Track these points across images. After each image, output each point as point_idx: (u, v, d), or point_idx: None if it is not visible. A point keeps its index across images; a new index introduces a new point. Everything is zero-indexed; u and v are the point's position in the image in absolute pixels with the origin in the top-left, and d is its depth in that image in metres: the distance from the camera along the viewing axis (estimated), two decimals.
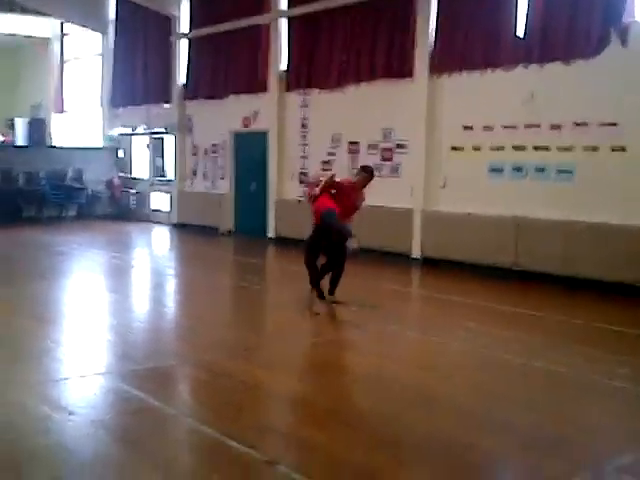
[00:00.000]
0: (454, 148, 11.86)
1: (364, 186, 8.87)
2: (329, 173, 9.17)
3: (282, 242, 14.82)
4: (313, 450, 4.44)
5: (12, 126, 21.57)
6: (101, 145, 20.49)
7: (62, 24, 22.43)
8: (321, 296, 8.71)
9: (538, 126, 10.67)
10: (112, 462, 4.26)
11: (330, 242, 8.57)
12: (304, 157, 14.69)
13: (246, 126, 16.09)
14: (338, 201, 8.54)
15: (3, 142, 21.06)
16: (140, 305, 9.53)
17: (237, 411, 5.14)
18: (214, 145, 17.00)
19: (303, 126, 14.66)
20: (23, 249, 13.66)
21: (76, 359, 6.54)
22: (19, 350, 6.75)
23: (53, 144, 21.46)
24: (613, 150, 9.86)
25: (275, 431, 4.97)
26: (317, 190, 8.62)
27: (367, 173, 8.91)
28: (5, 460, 4.25)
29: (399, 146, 12.75)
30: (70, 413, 5.00)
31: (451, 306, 8.84)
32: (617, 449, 4.53)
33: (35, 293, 9.45)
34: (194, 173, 17.72)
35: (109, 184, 19.77)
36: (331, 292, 8.74)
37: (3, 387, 5.60)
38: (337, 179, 8.79)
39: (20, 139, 21.37)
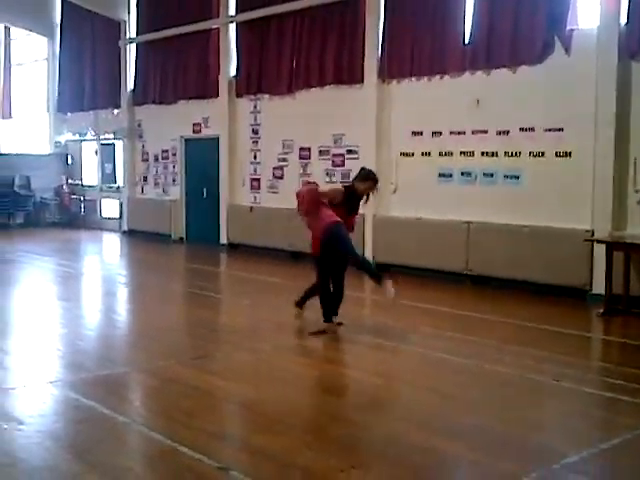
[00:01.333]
0: (404, 154, 11.98)
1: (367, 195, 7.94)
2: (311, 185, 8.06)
3: (234, 248, 14.79)
4: (265, 455, 4.45)
5: None
6: (49, 151, 20.19)
7: (8, 28, 22.06)
8: (328, 319, 7.66)
9: (485, 132, 10.85)
10: (62, 471, 4.21)
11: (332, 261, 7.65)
12: (256, 163, 14.69)
13: (197, 132, 16.02)
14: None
15: None
16: (90, 313, 9.43)
17: (188, 417, 5.12)
18: (164, 151, 16.90)
19: (254, 132, 14.66)
20: None
21: (25, 368, 6.45)
22: None
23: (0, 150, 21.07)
24: (558, 156, 10.07)
25: (226, 437, 4.97)
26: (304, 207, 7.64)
27: (372, 180, 7.89)
28: None
29: (350, 152, 12.84)
30: (19, 423, 4.94)
31: (404, 311, 8.92)
32: (564, 448, 4.62)
33: None
34: (144, 179, 17.58)
35: (58, 191, 19.48)
36: (300, 303, 8.02)
37: None
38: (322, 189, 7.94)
39: None
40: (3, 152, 20.67)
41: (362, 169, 8.10)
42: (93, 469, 4.23)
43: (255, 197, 14.75)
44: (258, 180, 14.65)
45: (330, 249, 7.47)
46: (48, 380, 5.97)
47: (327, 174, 13.14)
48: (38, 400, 5.54)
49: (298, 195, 7.70)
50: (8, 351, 7.07)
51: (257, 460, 4.41)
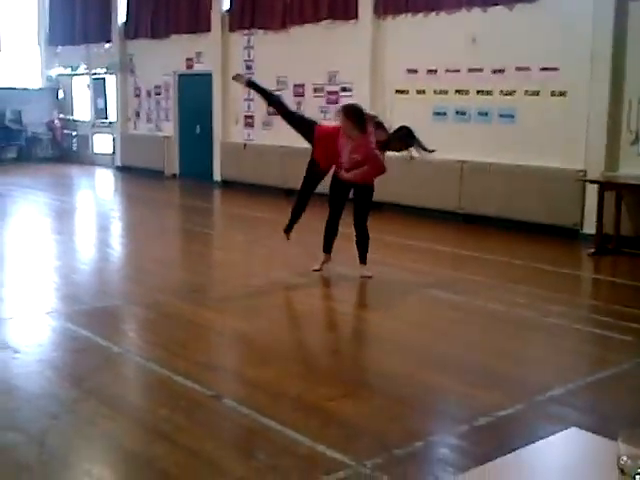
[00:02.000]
0: (399, 91, 11.90)
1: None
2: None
3: (228, 185, 14.78)
4: (257, 385, 4.55)
5: None
6: (40, 85, 19.95)
7: None
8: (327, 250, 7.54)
9: (481, 70, 10.76)
10: (60, 398, 4.31)
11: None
12: (249, 100, 14.56)
13: (190, 67, 15.84)
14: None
15: None
16: (85, 247, 9.47)
17: (183, 349, 5.22)
18: (157, 86, 16.72)
19: (248, 68, 14.49)
20: None
21: (21, 299, 6.52)
22: None
23: None
24: (553, 95, 10.03)
25: (220, 368, 5.08)
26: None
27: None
28: None
29: (344, 89, 12.73)
30: (15, 351, 5.03)
31: (396, 248, 9.00)
32: (550, 382, 4.74)
33: None
34: (137, 115, 17.43)
35: (50, 126, 19.32)
36: (363, 259, 7.46)
37: None
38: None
39: None
40: None
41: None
42: (90, 396, 4.33)
43: (249, 134, 14.67)
44: (252, 117, 14.55)
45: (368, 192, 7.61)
46: (44, 311, 6.05)
47: (321, 111, 13.04)
48: (35, 330, 5.63)
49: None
50: (3, 282, 7.13)
51: (249, 389, 4.52)
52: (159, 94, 16.71)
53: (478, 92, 10.85)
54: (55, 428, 3.90)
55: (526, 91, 10.31)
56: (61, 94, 19.61)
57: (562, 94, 9.95)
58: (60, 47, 19.41)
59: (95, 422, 4.00)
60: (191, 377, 4.56)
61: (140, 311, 6.31)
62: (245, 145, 14.53)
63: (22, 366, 4.81)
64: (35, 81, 20.15)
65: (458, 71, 11.03)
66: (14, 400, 4.27)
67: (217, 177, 15.17)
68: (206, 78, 15.22)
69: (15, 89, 19.40)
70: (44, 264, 7.95)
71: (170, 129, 16.47)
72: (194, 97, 15.85)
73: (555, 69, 9.97)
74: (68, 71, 19.24)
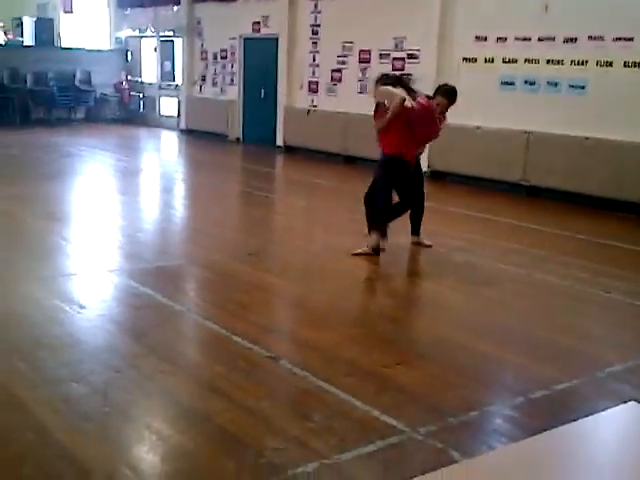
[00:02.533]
0: (466, 59, 11.70)
1: (443, 112, 7.02)
2: (397, 96, 6.64)
3: (290, 151, 14.82)
4: (312, 348, 4.59)
5: (20, 25, 21.22)
6: (109, 47, 20.23)
7: None
8: (384, 234, 6.99)
9: (552, 39, 10.50)
10: (121, 352, 4.43)
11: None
12: (314, 65, 14.52)
13: (256, 31, 15.84)
14: (410, 134, 6.82)
15: (9, 41, 20.76)
16: (149, 208, 9.64)
17: (241, 309, 5.29)
18: (223, 50, 16.78)
19: (314, 33, 14.43)
20: (33, 150, 13.68)
21: (86, 256, 6.69)
22: (31, 246, 6.89)
23: (61, 45, 21.17)
24: (627, 66, 9.73)
25: (277, 330, 5.14)
26: (384, 121, 6.80)
27: (448, 98, 6.94)
28: (17, 346, 4.42)
29: (410, 56, 12.58)
30: (80, 306, 5.17)
31: (456, 218, 8.93)
32: (610, 358, 4.67)
33: (46, 193, 9.54)
34: (203, 78, 17.55)
35: (117, 87, 19.61)
36: (416, 231, 7.38)
37: (16, 280, 5.76)
38: (408, 104, 6.72)
39: (28, 39, 21.05)
40: (65, 46, 20.78)
41: (445, 85, 7.25)
42: (152, 352, 4.44)
43: (312, 100, 14.65)
44: (316, 83, 14.51)
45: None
46: (108, 268, 6.21)
47: None
48: (99, 287, 5.78)
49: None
50: (70, 239, 7.33)
51: (305, 352, 4.56)
52: (225, 58, 16.77)
53: (548, 62, 10.59)
54: (117, 381, 4.02)
55: (598, 61, 10.03)
56: (129, 56, 19.84)
57: (636, 65, 9.64)
58: (129, 9, 19.61)
59: (155, 377, 4.10)
60: (249, 337, 4.64)
61: (200, 271, 6.41)
62: (309, 111, 14.52)
63: (86, 320, 4.95)
64: (104, 42, 20.43)
65: (529, 39, 10.77)
66: (79, 353, 4.41)
67: (280, 142, 15.21)
68: (272, 42, 15.22)
69: (85, 50, 19.72)
70: (109, 223, 8.13)
71: (235, 93, 16.54)
72: (259, 61, 15.87)
73: (630, 39, 9.65)
74: (136, 33, 19.44)
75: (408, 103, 6.66)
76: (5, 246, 6.89)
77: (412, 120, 6.73)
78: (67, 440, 3.35)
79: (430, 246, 7.24)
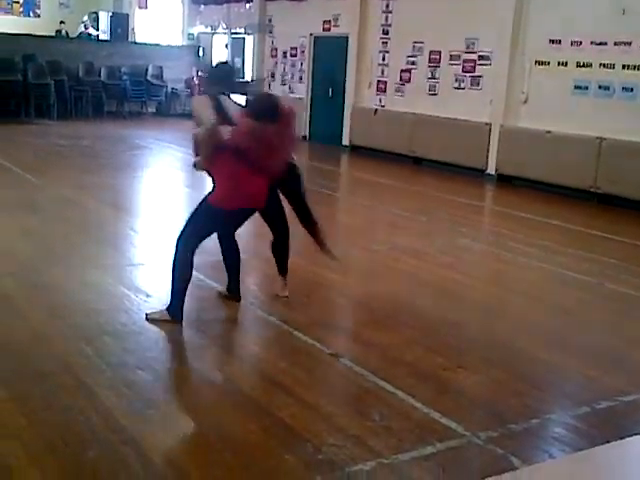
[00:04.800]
0: (539, 62, 11.49)
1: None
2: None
3: (356, 150, 14.80)
4: (374, 348, 4.58)
5: (96, 19, 21.73)
6: (182, 43, 20.53)
7: None
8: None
9: (629, 44, 10.23)
10: (185, 342, 4.50)
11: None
12: (384, 64, 14.47)
13: (326, 30, 15.86)
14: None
15: (88, 35, 21.25)
16: None
17: (304, 306, 5.32)
18: (293, 48, 16.86)
19: (384, 32, 14.38)
20: (104, 142, 13.98)
21: (152, 247, 6.81)
22: (99, 235, 7.04)
23: (135, 40, 21.59)
24: None
25: (339, 328, 5.15)
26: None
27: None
28: (84, 332, 4.52)
29: (481, 57, 12.43)
30: (146, 295, 5.27)
31: (525, 223, 8.78)
32: None
33: (116, 184, 9.74)
34: (272, 76, 17.67)
35: (188, 83, 19.88)
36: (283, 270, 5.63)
37: (84, 268, 5.89)
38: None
39: (103, 33, 21.54)
40: (138, 41, 21.18)
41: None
42: (215, 344, 4.50)
43: (380, 100, 14.60)
44: (385, 83, 14.46)
45: None
46: (170, 260, 6.29)
47: (456, 80, 12.82)
48: (164, 277, 5.86)
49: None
50: (137, 230, 7.47)
51: (367, 351, 4.55)
52: (294, 56, 16.85)
53: (624, 67, 10.33)
54: (181, 371, 4.09)
55: None
56: (201, 52, 20.11)
57: None
58: (203, 6, 19.87)
59: (218, 369, 4.16)
60: (311, 334, 4.65)
61: (264, 266, 6.43)
62: (376, 111, 14.47)
63: (152, 309, 5.03)
64: (177, 38, 20.75)
65: (605, 44, 10.52)
66: (144, 341, 4.49)
67: (346, 141, 15.21)
68: (342, 41, 15.22)
69: (158, 45, 20.07)
70: (175, 215, 8.24)
71: (303, 91, 16.60)
72: (328, 60, 15.90)
73: None
74: (208, 30, 19.68)
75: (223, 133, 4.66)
76: (74, 234, 7.05)
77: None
78: (131, 426, 3.41)
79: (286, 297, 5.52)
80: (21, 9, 23.23)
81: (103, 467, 3.11)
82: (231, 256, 5.36)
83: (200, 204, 4.84)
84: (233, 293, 5.34)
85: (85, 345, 4.30)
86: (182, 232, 4.84)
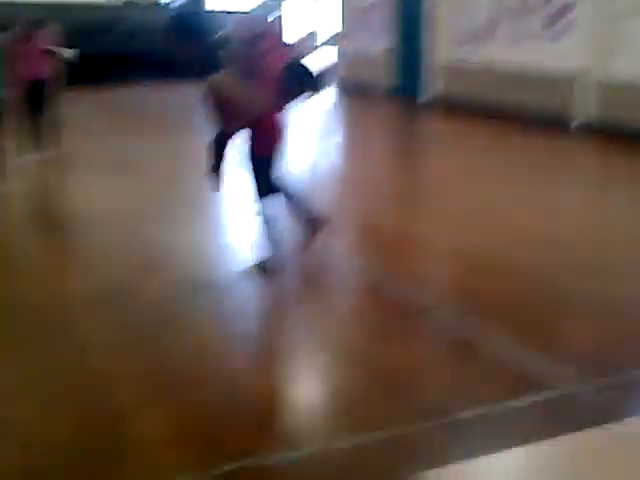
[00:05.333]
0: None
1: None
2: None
3: (442, 104, 14.52)
4: (472, 299, 4.52)
5: None
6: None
7: None
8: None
9: None
10: (282, 294, 4.56)
11: None
12: (468, 15, 14.07)
13: None
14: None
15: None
16: (305, 161, 9.76)
17: (399, 259, 5.31)
18: (375, 1, 16.60)
19: None
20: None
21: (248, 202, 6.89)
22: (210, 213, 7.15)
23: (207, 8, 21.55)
24: None
25: (435, 279, 5.11)
26: None
27: None
28: (183, 288, 4.62)
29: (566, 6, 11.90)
30: (242, 251, 5.34)
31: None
32: None
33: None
34: (356, 30, 17.46)
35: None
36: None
37: (186, 227, 6.01)
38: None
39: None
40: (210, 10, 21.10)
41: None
42: (314, 296, 4.58)
43: (467, 52, 14.23)
44: (468, 35, 14.09)
45: None
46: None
47: (545, 28, 12.38)
48: (257, 232, 5.97)
49: None
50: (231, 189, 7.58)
51: (464, 301, 4.50)
52: (378, 8, 16.58)
53: None
54: (284, 324, 4.16)
55: None
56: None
57: None
58: None
59: (318, 319, 4.21)
60: (407, 286, 4.65)
61: (355, 221, 6.45)
62: (461, 64, 14.15)
63: (249, 263, 5.10)
64: (250, 4, 20.70)
65: None
66: (245, 294, 4.58)
67: (430, 95, 14.95)
68: None
69: (231, 13, 20.02)
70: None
71: (387, 44, 16.32)
72: (412, 12, 15.57)
73: None
74: None
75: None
76: (177, 194, 7.19)
77: None
78: (240, 372, 3.57)
79: None
80: None
81: (215, 411, 3.24)
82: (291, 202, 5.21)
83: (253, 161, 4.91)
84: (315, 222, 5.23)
85: (191, 298, 4.42)
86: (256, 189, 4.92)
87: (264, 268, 4.85)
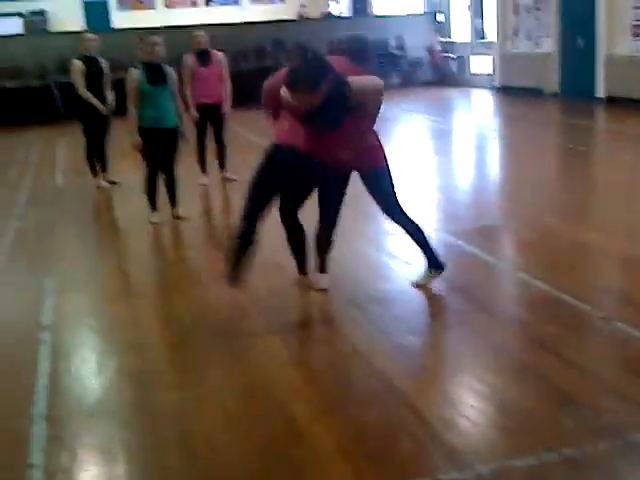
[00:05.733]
0: None
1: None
2: None
3: (613, 102, 13.88)
4: None
5: None
6: (421, 11, 20.49)
7: None
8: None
9: None
10: (449, 307, 4.55)
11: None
12: (637, 7, 13.39)
13: None
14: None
15: (328, 14, 21.95)
16: (465, 167, 9.67)
17: (569, 269, 5.13)
18: (536, 1, 16.15)
19: None
20: None
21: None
22: (358, 206, 7.23)
23: (375, 13, 21.89)
24: None
25: (609, 290, 4.89)
26: None
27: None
28: (352, 299, 4.71)
29: None
30: (406, 263, 5.37)
31: None
32: None
33: None
34: (515, 33, 17.07)
35: (429, 50, 19.83)
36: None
37: (348, 238, 6.09)
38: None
39: (344, 10, 22.09)
40: (378, 14, 21.45)
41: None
42: (481, 309, 4.50)
43: (638, 45, 13.55)
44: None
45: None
46: (430, 227, 6.35)
47: None
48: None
49: None
50: None
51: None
52: (539, 9, 16.13)
53: None
54: (449, 336, 4.15)
55: None
56: (440, 17, 19.93)
57: None
58: None
59: (486, 334, 4.15)
60: (579, 297, 4.48)
61: (522, 230, 6.30)
62: (634, 58, 13.47)
63: (413, 277, 5.13)
64: (416, 6, 20.73)
65: None
66: (410, 307, 4.62)
67: (601, 93, 14.32)
68: None
69: (398, 16, 20.21)
70: (426, 183, 8.30)
71: (550, 45, 15.85)
72: (576, 8, 15.02)
73: None
74: None
75: None
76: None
77: None
78: (407, 389, 3.54)
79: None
80: None
81: (384, 428, 3.25)
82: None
83: (387, 177, 4.79)
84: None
85: (356, 311, 4.50)
86: (394, 204, 4.90)
87: (433, 270, 4.84)
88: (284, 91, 4.27)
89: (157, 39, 6.92)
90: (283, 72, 4.39)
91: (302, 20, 21.52)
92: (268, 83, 4.63)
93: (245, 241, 4.34)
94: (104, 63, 8.73)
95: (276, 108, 4.54)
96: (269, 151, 4.47)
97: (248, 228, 4.36)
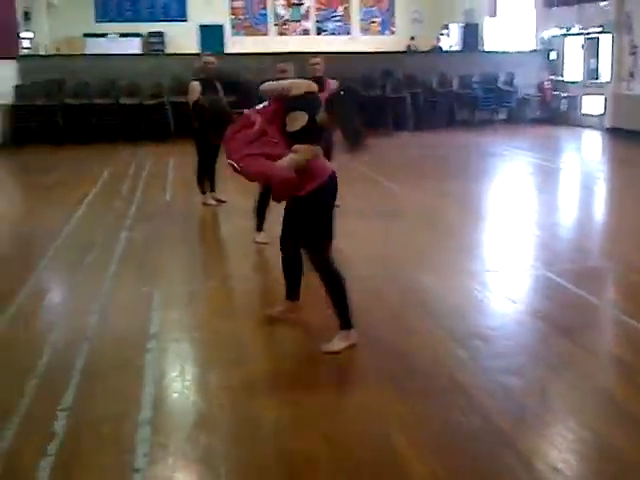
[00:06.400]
0: None
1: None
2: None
3: None
4: None
5: (448, 32, 22.36)
6: (533, 48, 20.26)
7: None
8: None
9: None
10: (553, 348, 4.46)
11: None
12: None
13: None
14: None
15: (438, 47, 22.01)
16: (569, 206, 9.48)
17: None
18: None
19: None
20: (457, 150, 14.32)
21: (510, 253, 6.83)
22: (459, 241, 7.22)
23: (485, 48, 21.79)
24: None
25: None
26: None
27: None
28: (453, 334, 4.68)
29: None
30: (510, 300, 5.31)
31: None
32: None
33: (471, 191, 9.89)
34: (631, 75, 16.65)
35: (540, 87, 19.55)
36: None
37: (450, 274, 6.08)
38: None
39: (454, 44, 22.08)
40: (488, 50, 21.33)
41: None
42: (588, 353, 4.42)
43: None
44: None
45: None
46: (532, 265, 6.29)
47: None
48: (525, 282, 5.90)
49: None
50: (493, 235, 7.56)
51: None
52: None
53: None
54: (553, 378, 4.07)
55: None
56: (553, 55, 19.65)
57: None
58: (555, 8, 19.40)
59: (587, 378, 4.06)
60: None
61: (626, 273, 6.12)
62: None
63: (516, 314, 5.08)
64: (528, 43, 20.51)
65: None
66: (512, 346, 4.56)
67: None
68: None
69: (508, 52, 20.04)
70: (530, 221, 8.16)
71: None
72: None
73: None
74: (561, 32, 19.16)
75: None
76: (437, 239, 7.30)
77: None
78: (510, 429, 3.48)
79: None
80: (378, 28, 24.72)
81: (485, 468, 3.21)
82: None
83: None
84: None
85: (457, 348, 4.47)
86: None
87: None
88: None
89: (286, 66, 7.28)
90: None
91: (411, 52, 21.63)
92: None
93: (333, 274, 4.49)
94: (219, 85, 9.00)
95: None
96: (325, 183, 4.55)
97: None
